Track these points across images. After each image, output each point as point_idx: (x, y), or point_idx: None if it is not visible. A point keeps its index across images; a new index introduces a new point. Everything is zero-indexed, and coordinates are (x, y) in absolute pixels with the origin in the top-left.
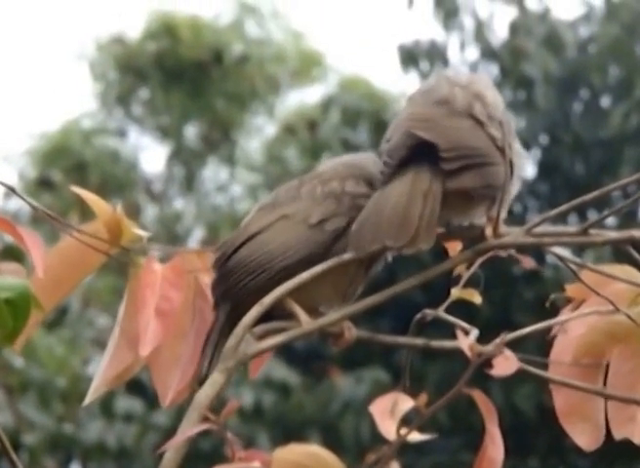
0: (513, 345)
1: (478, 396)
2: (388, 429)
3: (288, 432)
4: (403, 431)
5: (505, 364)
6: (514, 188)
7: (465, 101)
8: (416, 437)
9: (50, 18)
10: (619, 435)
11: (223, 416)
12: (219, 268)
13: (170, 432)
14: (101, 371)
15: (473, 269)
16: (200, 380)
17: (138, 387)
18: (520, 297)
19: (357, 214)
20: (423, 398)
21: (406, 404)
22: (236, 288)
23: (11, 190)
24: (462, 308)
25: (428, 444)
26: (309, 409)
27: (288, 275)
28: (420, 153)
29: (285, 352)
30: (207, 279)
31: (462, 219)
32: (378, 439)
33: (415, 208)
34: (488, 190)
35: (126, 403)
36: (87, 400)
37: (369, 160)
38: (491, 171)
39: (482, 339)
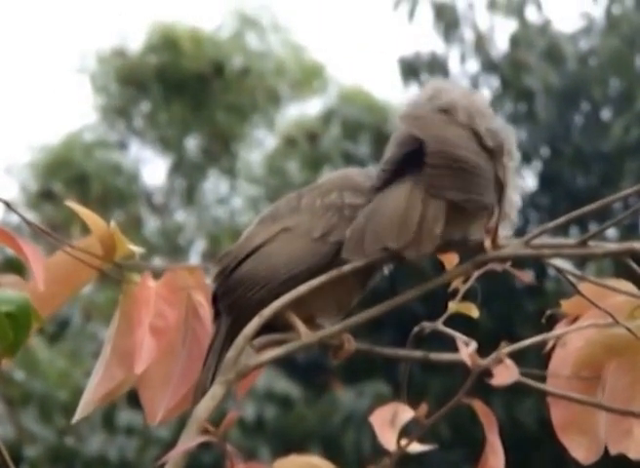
0: (514, 358)
1: (478, 406)
2: (388, 439)
3: (289, 445)
4: (403, 442)
5: (505, 373)
6: (515, 202)
7: (466, 113)
8: (416, 448)
9: (51, 30)
10: (614, 450)
11: (223, 428)
12: (221, 281)
13: (171, 445)
14: (92, 388)
15: (472, 281)
16: (202, 392)
17: (139, 400)
18: (522, 310)
19: None
20: (423, 408)
21: (406, 414)
22: (242, 300)
23: (6, 205)
24: (464, 321)
25: (430, 457)
26: (311, 422)
27: (292, 287)
28: (415, 164)
29: (286, 365)
30: (199, 296)
31: (461, 234)
32: (379, 452)
33: (415, 210)
34: (471, 204)
35: (127, 416)
36: (76, 417)
37: (361, 173)
38: (475, 182)
39: (483, 352)
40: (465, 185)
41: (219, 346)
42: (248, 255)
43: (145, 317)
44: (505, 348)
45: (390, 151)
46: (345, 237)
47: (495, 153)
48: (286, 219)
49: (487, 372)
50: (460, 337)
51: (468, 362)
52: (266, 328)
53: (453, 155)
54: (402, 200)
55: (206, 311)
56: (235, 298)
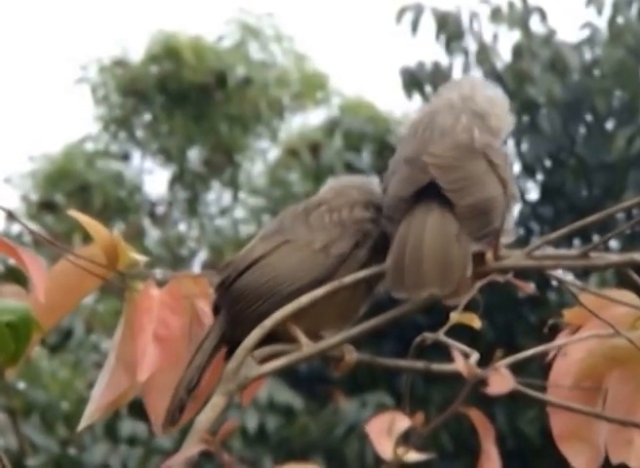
0: (516, 368)
1: (475, 414)
2: (385, 448)
3: (292, 456)
4: (401, 451)
5: (501, 382)
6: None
7: (469, 134)
8: (413, 457)
9: (52, 40)
10: (616, 459)
11: (221, 437)
12: (222, 292)
13: (174, 455)
14: (97, 397)
15: (474, 292)
16: (187, 388)
17: (141, 410)
18: (524, 321)
19: (362, 237)
20: (420, 417)
21: (402, 423)
22: (245, 313)
23: (9, 214)
24: (467, 331)
25: (432, 466)
26: (314, 433)
27: (295, 298)
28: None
29: (289, 375)
30: (203, 304)
31: None
32: (382, 463)
33: (453, 251)
34: (489, 234)
35: (130, 426)
36: (81, 425)
37: (373, 183)
38: (496, 214)
39: (486, 362)
40: (488, 221)
41: (209, 347)
42: (249, 267)
43: (148, 325)
44: (501, 357)
45: (402, 187)
46: (347, 250)
47: (506, 183)
48: (288, 232)
49: (484, 382)
50: (459, 348)
51: (464, 372)
52: (268, 338)
53: (480, 204)
54: (437, 237)
55: (210, 319)
56: (238, 311)
